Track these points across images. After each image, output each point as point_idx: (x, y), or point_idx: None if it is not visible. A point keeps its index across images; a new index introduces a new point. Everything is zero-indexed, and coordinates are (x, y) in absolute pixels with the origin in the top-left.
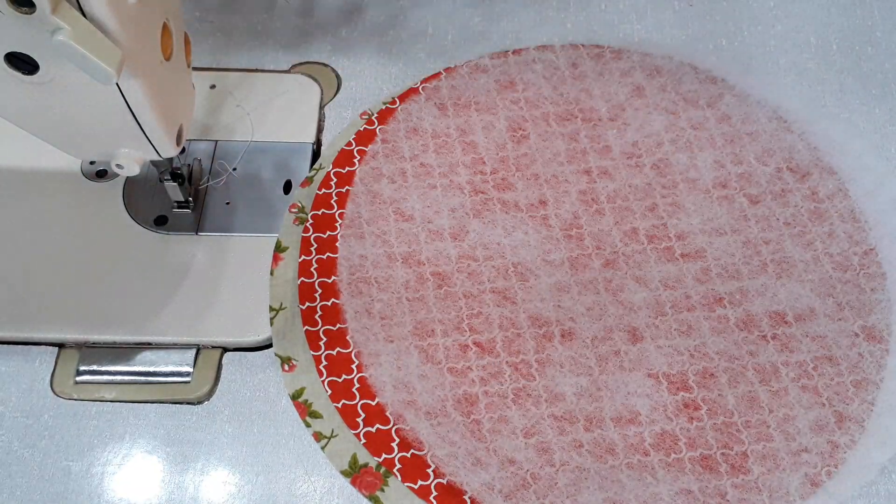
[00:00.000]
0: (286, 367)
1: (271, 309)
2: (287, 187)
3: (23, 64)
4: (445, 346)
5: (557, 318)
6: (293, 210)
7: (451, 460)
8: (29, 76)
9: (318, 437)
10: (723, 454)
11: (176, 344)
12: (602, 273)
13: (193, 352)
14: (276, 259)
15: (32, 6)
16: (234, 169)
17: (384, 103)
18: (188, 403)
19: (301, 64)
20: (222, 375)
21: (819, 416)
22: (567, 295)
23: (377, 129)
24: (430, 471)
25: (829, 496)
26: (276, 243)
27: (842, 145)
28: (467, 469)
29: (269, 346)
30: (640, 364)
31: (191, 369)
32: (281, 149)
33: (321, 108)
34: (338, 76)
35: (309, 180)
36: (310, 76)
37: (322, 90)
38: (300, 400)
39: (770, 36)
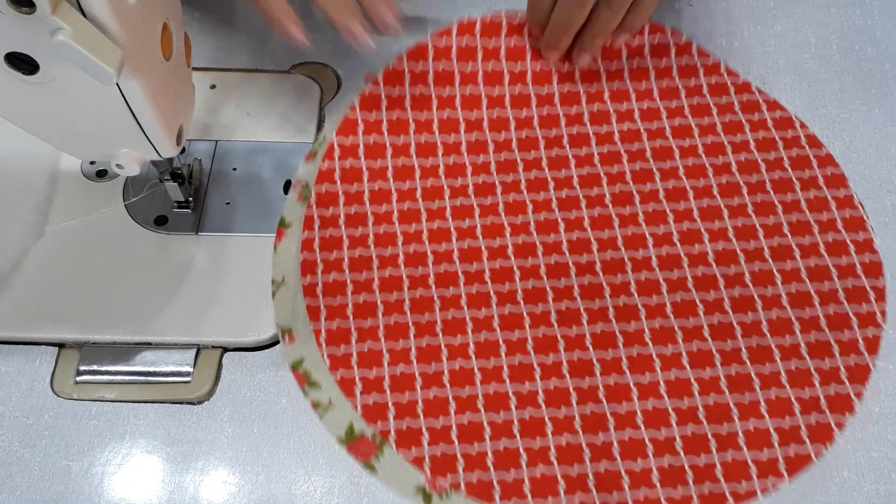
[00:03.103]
0: (286, 339)
1: (273, 283)
2: (287, 187)
3: (23, 64)
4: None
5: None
6: (296, 187)
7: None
8: (29, 76)
9: (315, 405)
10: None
11: (176, 344)
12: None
13: (193, 352)
14: (279, 235)
15: (32, 6)
16: (235, 169)
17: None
18: (188, 403)
19: (301, 64)
20: (222, 375)
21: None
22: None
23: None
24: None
25: (818, 475)
26: (280, 220)
27: (841, 145)
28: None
29: (270, 345)
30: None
31: (191, 369)
32: (281, 149)
33: (321, 108)
34: (338, 76)
35: (312, 154)
36: (310, 76)
37: (322, 90)
38: (299, 370)
39: (770, 36)
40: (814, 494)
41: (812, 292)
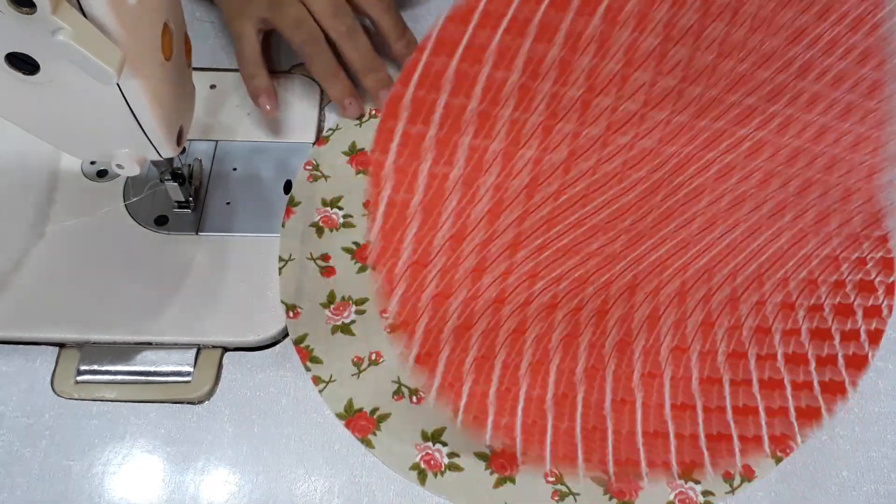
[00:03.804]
0: (291, 315)
1: (280, 259)
2: (287, 187)
3: (23, 64)
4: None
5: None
6: (307, 168)
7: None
8: (29, 76)
9: (316, 381)
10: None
11: (176, 344)
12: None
13: (194, 351)
14: (288, 212)
15: (33, 6)
16: (235, 169)
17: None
18: (189, 403)
19: (301, 64)
20: (223, 375)
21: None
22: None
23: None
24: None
25: (819, 474)
26: (290, 198)
27: None
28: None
29: (270, 345)
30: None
31: (191, 369)
32: (281, 149)
33: (321, 108)
34: None
35: (325, 139)
36: (310, 76)
37: (322, 90)
38: (302, 346)
39: None
40: (814, 494)
41: (819, 281)
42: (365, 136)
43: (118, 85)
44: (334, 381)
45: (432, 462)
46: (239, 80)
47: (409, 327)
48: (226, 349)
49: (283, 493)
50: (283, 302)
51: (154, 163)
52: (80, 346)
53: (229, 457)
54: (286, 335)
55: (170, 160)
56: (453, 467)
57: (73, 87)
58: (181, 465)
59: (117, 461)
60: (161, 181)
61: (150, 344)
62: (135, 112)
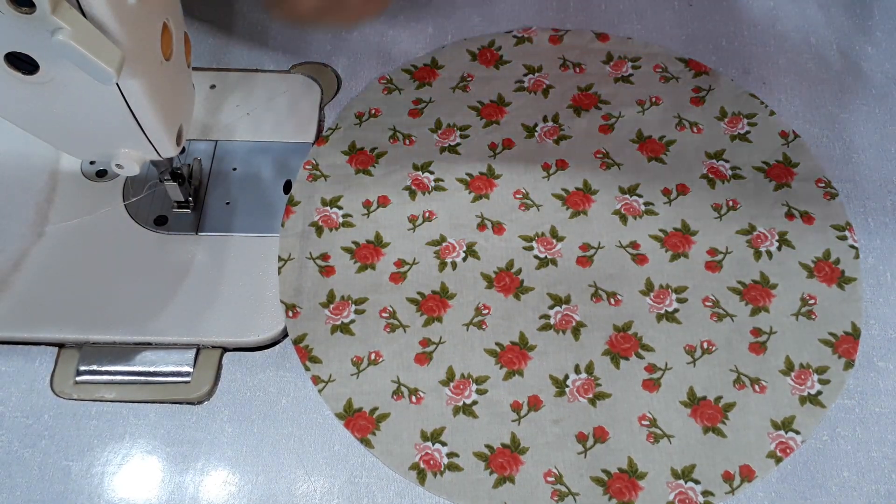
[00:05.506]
0: (290, 314)
1: (280, 259)
2: (287, 187)
3: (23, 64)
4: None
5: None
6: (307, 167)
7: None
8: (29, 76)
9: (316, 380)
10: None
11: (176, 344)
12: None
13: (193, 352)
14: (287, 212)
15: (32, 6)
16: (235, 169)
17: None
18: (188, 403)
19: (301, 64)
20: (222, 375)
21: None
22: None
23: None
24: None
25: (819, 474)
26: (289, 198)
27: (841, 145)
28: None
29: (270, 345)
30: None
31: (191, 369)
32: (281, 149)
33: (321, 108)
34: (338, 76)
35: (325, 139)
36: (310, 76)
37: (322, 90)
38: (301, 345)
39: (770, 36)
40: (814, 494)
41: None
42: (364, 135)
43: (118, 85)
44: (333, 380)
45: (432, 462)
46: (239, 80)
47: None
48: (225, 349)
49: (283, 494)
50: (282, 301)
51: (153, 163)
52: (79, 346)
53: (229, 457)
54: (286, 335)
55: (169, 160)
56: (453, 467)
57: (72, 87)
58: (181, 466)
59: (117, 461)
60: (160, 181)
61: (149, 344)
62: (134, 112)
